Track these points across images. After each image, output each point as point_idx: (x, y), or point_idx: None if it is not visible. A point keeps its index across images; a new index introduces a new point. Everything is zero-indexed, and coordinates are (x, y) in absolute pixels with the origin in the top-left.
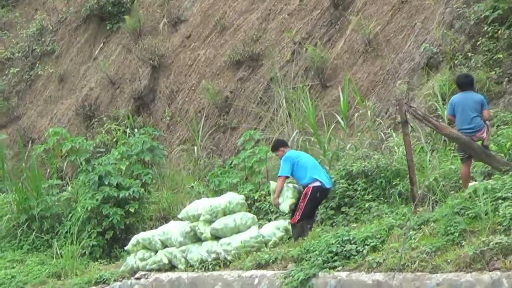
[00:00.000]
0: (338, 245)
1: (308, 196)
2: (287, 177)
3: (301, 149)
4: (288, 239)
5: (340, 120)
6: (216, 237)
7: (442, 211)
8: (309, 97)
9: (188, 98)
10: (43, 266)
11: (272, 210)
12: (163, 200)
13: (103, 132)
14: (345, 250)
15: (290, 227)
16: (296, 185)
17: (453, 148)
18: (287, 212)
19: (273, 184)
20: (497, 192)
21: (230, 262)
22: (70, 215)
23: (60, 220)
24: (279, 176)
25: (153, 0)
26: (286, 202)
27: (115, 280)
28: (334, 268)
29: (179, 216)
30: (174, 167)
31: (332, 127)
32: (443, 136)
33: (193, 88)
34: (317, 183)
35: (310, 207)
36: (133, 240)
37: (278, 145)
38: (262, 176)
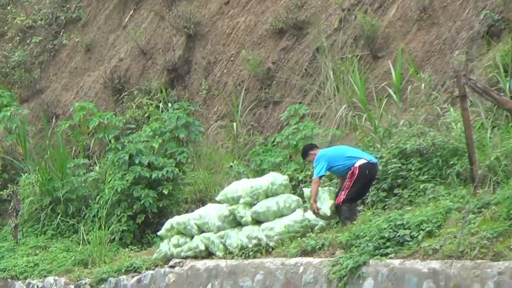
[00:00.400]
0: (391, 230)
1: (357, 174)
2: (321, 178)
3: (350, 126)
4: (336, 223)
5: (392, 94)
6: (257, 221)
7: (504, 193)
8: (359, 68)
9: (226, 69)
10: (68, 253)
11: None
12: (199, 181)
13: (134, 107)
14: (398, 236)
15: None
16: (331, 188)
17: None
18: (329, 215)
19: (307, 191)
20: None
21: (272, 249)
22: (97, 197)
23: (87, 203)
24: (313, 179)
25: None
26: (325, 204)
27: (147, 269)
28: (386, 255)
29: (217, 198)
30: (212, 145)
31: (383, 101)
32: (505, 111)
33: (232, 58)
34: (363, 160)
35: (359, 186)
36: (167, 224)
37: (307, 150)
38: None
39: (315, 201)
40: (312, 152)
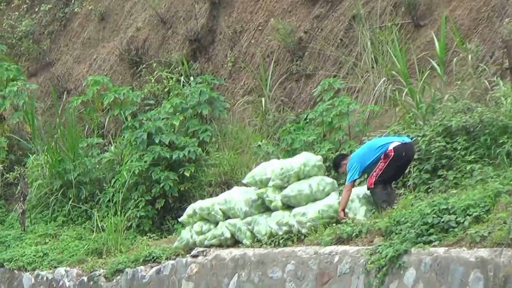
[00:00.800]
0: (434, 216)
1: (392, 156)
2: (354, 183)
3: (390, 101)
4: (375, 208)
5: (435, 66)
6: (288, 206)
7: None
8: (399, 38)
9: (254, 40)
10: (81, 242)
11: None
12: (224, 162)
13: (153, 81)
14: (443, 222)
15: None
16: (360, 191)
17: None
18: (366, 219)
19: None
20: None
21: (305, 236)
22: (113, 180)
23: (101, 187)
24: (346, 185)
25: None
26: (360, 211)
27: (167, 258)
28: (429, 243)
29: (244, 181)
30: (238, 123)
31: (426, 74)
32: None
33: (260, 28)
34: (396, 143)
35: (394, 168)
36: (189, 210)
37: (339, 161)
38: (343, 133)
39: (343, 210)
40: (345, 161)
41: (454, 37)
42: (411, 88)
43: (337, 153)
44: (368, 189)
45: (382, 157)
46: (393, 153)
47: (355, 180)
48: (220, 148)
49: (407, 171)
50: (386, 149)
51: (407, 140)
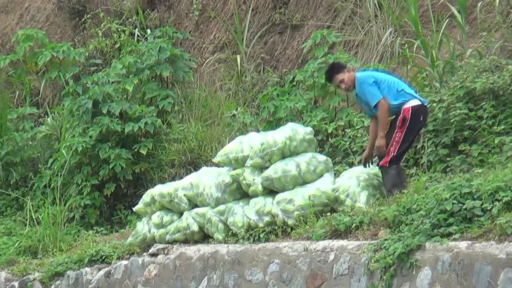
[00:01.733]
0: (455, 202)
1: (409, 121)
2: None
3: (398, 58)
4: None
5: (455, 12)
6: (270, 191)
7: None
8: None
9: None
10: (10, 238)
11: (354, 149)
12: (190, 136)
13: (99, 35)
14: (465, 209)
15: (380, 173)
16: (356, 169)
17: None
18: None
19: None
20: None
21: (292, 229)
22: (50, 160)
23: (36, 169)
24: (380, 102)
25: None
26: (361, 197)
27: (119, 258)
28: (448, 235)
29: (215, 160)
30: (207, 87)
31: (444, 24)
32: None
33: None
34: (417, 101)
35: (410, 138)
36: (146, 196)
37: (334, 71)
38: (339, 99)
39: (385, 135)
40: (341, 74)
41: None
42: (425, 42)
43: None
44: (380, 168)
45: (398, 123)
46: (409, 116)
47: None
48: (185, 119)
49: (419, 145)
50: (403, 102)
51: (426, 102)
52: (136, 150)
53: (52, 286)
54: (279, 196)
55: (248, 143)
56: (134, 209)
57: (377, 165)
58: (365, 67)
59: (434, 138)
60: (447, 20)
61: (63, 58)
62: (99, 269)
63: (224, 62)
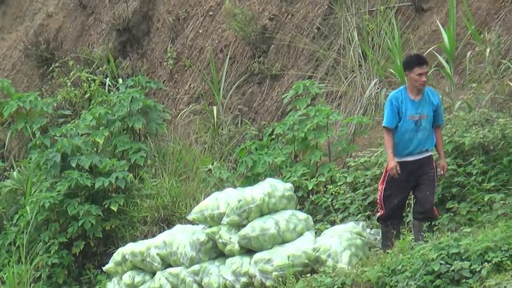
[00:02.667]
0: (442, 262)
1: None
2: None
3: (383, 109)
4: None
5: (443, 63)
6: (248, 250)
7: None
8: (396, 27)
9: (202, 29)
10: None
11: (336, 206)
12: (163, 192)
13: (68, 84)
14: (453, 270)
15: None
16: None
17: None
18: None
19: None
20: None
21: None
22: (16, 217)
23: (1, 225)
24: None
25: None
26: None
27: None
28: None
29: (189, 217)
30: (182, 140)
31: (431, 73)
32: None
33: (210, 13)
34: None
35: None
36: (117, 255)
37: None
38: (321, 154)
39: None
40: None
41: (468, 25)
42: None
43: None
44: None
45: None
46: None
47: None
48: (158, 174)
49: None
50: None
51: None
52: (106, 206)
53: None
54: (257, 256)
55: (225, 200)
56: (104, 268)
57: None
58: (349, 119)
59: None
60: (435, 70)
61: (30, 109)
62: None
63: (200, 114)
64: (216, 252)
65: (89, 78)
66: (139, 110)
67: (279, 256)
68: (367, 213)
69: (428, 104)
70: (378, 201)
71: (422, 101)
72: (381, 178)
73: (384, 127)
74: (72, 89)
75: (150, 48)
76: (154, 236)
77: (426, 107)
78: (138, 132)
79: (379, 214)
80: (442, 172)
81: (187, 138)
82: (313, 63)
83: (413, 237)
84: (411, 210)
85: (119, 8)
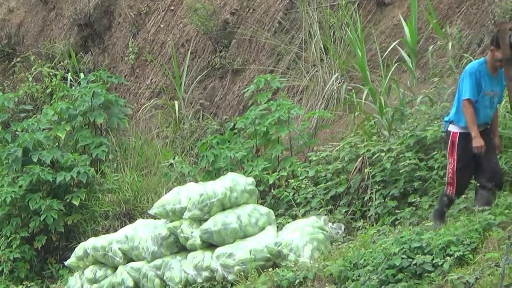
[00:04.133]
0: (404, 256)
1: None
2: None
3: (347, 103)
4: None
5: (405, 57)
6: (209, 244)
7: None
8: (358, 20)
9: (164, 24)
10: None
11: (298, 201)
12: (125, 186)
13: (30, 79)
14: (415, 264)
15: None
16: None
17: None
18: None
19: None
20: None
21: (232, 285)
22: None
23: None
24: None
25: None
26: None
27: None
28: None
29: (151, 212)
30: (143, 134)
31: (393, 68)
32: None
33: (172, 8)
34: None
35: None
36: (78, 250)
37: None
38: (282, 148)
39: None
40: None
41: (430, 19)
42: (372, 88)
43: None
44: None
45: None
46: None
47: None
48: (120, 168)
49: (367, 197)
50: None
51: None
52: (68, 200)
53: None
54: (219, 250)
55: (186, 194)
56: (66, 263)
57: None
58: (310, 114)
59: (382, 190)
60: (397, 64)
61: None
62: None
63: (161, 108)
64: (178, 246)
65: (51, 73)
66: (101, 105)
67: (241, 250)
68: (329, 207)
69: (501, 82)
70: (449, 175)
71: (498, 79)
72: (449, 151)
73: (466, 99)
74: (34, 84)
75: (112, 43)
76: (116, 230)
77: (499, 85)
78: (99, 126)
79: (449, 191)
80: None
81: (148, 132)
82: (275, 58)
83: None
84: (372, 204)
85: (80, 3)
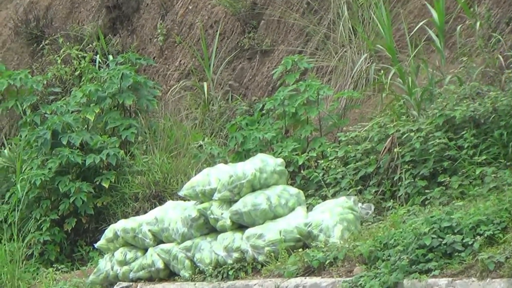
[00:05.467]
0: (434, 236)
1: None
2: None
3: (374, 85)
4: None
5: (434, 36)
6: (239, 226)
7: None
8: (385, 2)
9: (192, 5)
10: None
11: (328, 181)
12: (155, 168)
13: (59, 61)
14: (445, 244)
15: (357, 207)
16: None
17: None
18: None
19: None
20: None
21: (262, 266)
22: (7, 194)
23: None
24: None
25: None
26: (334, 231)
27: None
28: (427, 272)
29: (181, 193)
30: (172, 116)
31: (421, 48)
32: None
33: None
34: None
35: None
36: (108, 232)
37: None
38: (312, 128)
39: None
40: None
41: None
42: (401, 68)
43: None
44: None
45: None
46: None
47: None
48: (149, 150)
49: (396, 177)
50: None
51: None
52: (97, 183)
53: None
54: (249, 231)
55: (216, 176)
56: (96, 245)
57: None
58: (339, 94)
59: (412, 169)
60: (425, 44)
61: (20, 86)
62: None
63: (190, 90)
64: (208, 228)
65: (79, 56)
66: (130, 87)
67: (271, 231)
68: (358, 188)
69: None
70: None
71: None
72: None
73: None
74: (62, 66)
75: (140, 25)
76: (145, 212)
77: None
78: (128, 108)
79: None
80: None
81: (177, 114)
82: (303, 38)
83: (406, 210)
84: (402, 184)
85: None
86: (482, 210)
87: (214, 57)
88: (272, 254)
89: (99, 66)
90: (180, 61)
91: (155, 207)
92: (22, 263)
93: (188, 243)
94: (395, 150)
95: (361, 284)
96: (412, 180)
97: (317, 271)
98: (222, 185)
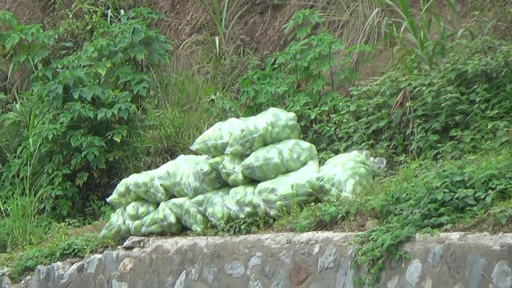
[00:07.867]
0: (446, 190)
1: None
2: None
3: (385, 39)
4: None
5: None
6: (251, 180)
7: None
8: None
9: None
10: None
11: (340, 135)
12: (166, 122)
13: (70, 16)
14: (457, 198)
15: (369, 162)
16: (351, 160)
17: None
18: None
19: None
20: None
21: (274, 220)
22: (19, 149)
23: (4, 158)
24: None
25: None
26: (346, 186)
27: (92, 251)
28: (439, 226)
29: (193, 147)
30: (184, 70)
31: (433, 2)
32: None
33: None
34: None
35: None
36: (120, 186)
37: None
38: (324, 83)
39: None
40: None
41: None
42: (413, 22)
43: None
44: None
45: None
46: None
47: None
48: (161, 105)
49: (408, 131)
50: None
51: None
52: (109, 137)
53: (22, 282)
54: (261, 186)
55: (228, 130)
56: (107, 199)
57: None
58: (351, 48)
59: (423, 124)
60: None
61: (32, 41)
62: (72, 263)
63: (202, 44)
64: (219, 182)
65: (91, 10)
66: (141, 41)
67: (282, 185)
68: (370, 142)
69: None
70: None
71: None
72: None
73: None
74: (74, 21)
75: None
76: (157, 166)
77: None
78: (140, 63)
79: None
80: None
81: (189, 68)
82: None
83: (418, 164)
84: (414, 138)
85: None
86: (494, 164)
87: (226, 11)
88: (284, 208)
89: (110, 21)
90: (192, 15)
91: (167, 161)
92: (34, 217)
93: (200, 197)
94: (407, 104)
95: (373, 238)
96: (424, 134)
97: (329, 225)
98: (234, 139)
